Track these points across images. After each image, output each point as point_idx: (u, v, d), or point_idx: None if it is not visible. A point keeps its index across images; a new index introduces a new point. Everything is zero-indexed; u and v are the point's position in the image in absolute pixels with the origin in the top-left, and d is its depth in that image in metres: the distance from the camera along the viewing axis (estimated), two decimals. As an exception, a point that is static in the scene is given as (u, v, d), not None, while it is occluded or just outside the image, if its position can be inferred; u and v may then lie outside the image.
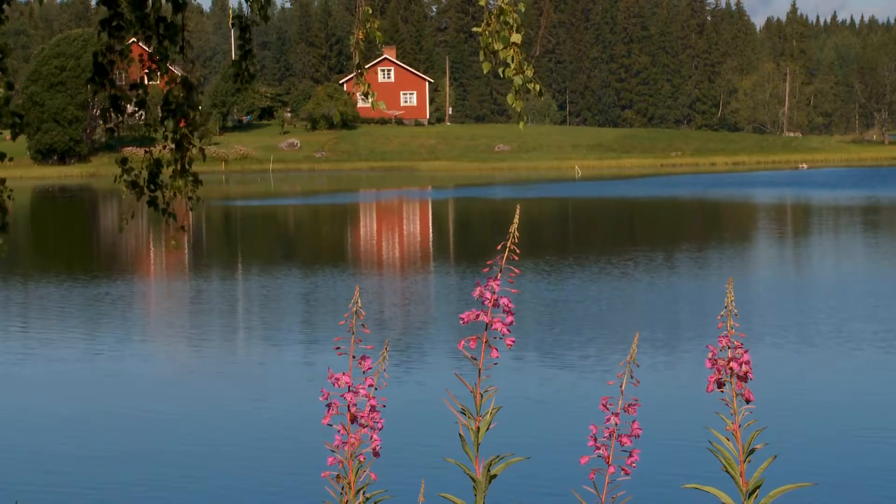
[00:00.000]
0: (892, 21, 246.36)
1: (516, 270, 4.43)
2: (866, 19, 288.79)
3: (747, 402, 4.43)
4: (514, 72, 7.36)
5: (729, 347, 4.43)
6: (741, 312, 4.51)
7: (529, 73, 7.37)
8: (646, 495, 12.16)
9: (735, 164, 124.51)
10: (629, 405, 4.33)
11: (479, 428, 4.38)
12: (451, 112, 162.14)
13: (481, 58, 7.38)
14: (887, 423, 15.58)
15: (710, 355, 4.44)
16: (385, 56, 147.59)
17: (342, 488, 4.38)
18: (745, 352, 4.42)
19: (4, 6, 8.18)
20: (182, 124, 8.16)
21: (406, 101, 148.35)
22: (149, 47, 7.92)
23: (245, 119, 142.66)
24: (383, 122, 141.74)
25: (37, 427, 16.29)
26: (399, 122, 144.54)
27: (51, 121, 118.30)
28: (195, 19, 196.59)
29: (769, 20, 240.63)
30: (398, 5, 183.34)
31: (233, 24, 8.41)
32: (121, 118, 8.19)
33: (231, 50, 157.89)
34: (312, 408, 9.61)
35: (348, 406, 4.35)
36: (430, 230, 53.68)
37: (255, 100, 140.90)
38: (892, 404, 16.78)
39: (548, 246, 40.56)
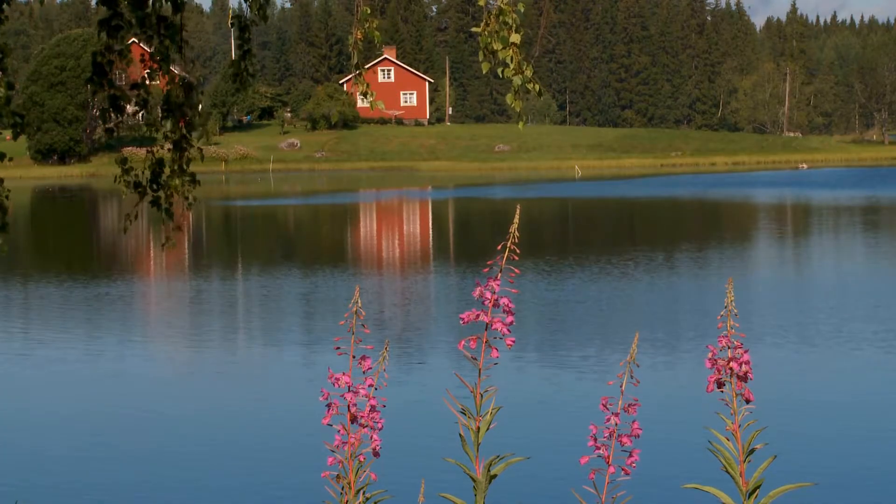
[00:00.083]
0: (892, 21, 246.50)
1: (516, 270, 4.43)
2: (866, 19, 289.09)
3: (747, 402, 4.43)
4: (514, 72, 7.36)
5: (729, 347, 4.43)
6: (741, 312, 4.52)
7: (529, 73, 7.37)
8: (646, 495, 12.15)
9: (735, 164, 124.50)
10: (629, 405, 4.33)
11: (479, 428, 4.38)
12: (451, 112, 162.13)
13: (480, 58, 7.38)
14: (887, 423, 15.57)
15: (710, 355, 4.44)
16: (385, 56, 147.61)
17: (342, 488, 4.38)
18: (745, 352, 4.42)
19: (4, 6, 8.17)
20: (181, 124, 8.15)
21: (406, 101, 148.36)
22: (149, 47, 7.91)
23: (245, 119, 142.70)
24: (383, 122, 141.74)
25: (37, 427, 16.28)
26: (399, 122, 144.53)
27: (51, 121, 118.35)
28: (195, 19, 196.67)
29: (769, 20, 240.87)
30: (398, 5, 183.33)
31: (232, 24, 8.40)
32: (120, 118, 8.18)
33: (231, 50, 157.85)
34: (312, 408, 9.60)
35: (348, 406, 4.35)
36: (430, 230, 53.66)
37: (255, 100, 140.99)
38: (892, 404, 16.77)
39: (548, 246, 40.55)
